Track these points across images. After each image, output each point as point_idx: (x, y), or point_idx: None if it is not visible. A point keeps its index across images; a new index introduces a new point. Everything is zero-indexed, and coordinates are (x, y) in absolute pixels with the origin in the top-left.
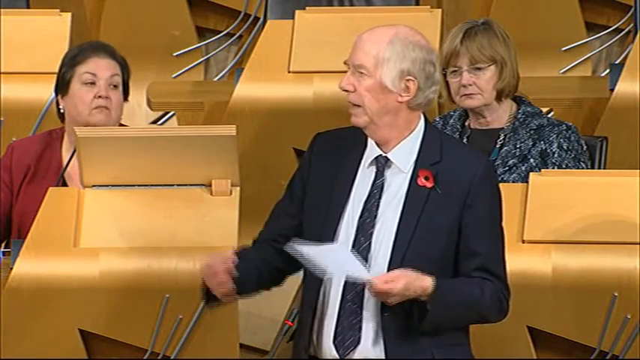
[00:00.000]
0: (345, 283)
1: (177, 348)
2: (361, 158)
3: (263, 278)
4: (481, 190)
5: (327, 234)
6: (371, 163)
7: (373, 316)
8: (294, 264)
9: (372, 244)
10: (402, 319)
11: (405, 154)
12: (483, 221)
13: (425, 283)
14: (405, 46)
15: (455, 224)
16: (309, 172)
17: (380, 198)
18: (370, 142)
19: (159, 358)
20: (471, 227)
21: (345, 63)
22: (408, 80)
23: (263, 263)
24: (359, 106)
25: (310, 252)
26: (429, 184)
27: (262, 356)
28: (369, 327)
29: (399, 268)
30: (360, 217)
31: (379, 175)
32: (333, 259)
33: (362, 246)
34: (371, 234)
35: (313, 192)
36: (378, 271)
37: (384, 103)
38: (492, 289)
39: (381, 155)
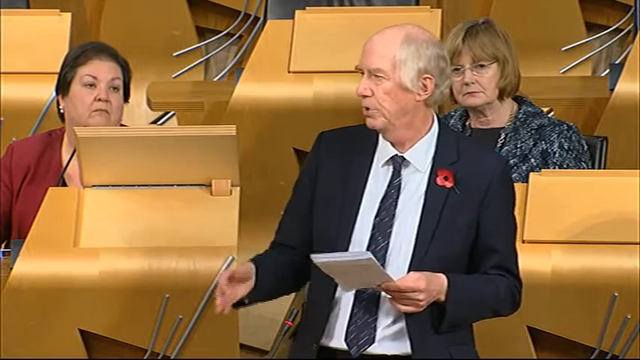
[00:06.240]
0: None
1: (177, 348)
2: (372, 157)
3: (280, 283)
4: (499, 190)
5: (342, 233)
6: (386, 163)
7: (393, 314)
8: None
9: (391, 244)
10: (423, 317)
11: (421, 153)
12: (500, 220)
13: (440, 279)
14: (419, 45)
15: (473, 223)
16: (318, 171)
17: (398, 197)
18: (382, 141)
19: (159, 358)
20: (488, 226)
21: (356, 68)
22: (425, 78)
23: (279, 268)
24: (376, 109)
25: (331, 263)
26: (448, 184)
27: (262, 356)
28: (387, 325)
29: (419, 267)
30: (377, 216)
31: (396, 175)
32: (357, 270)
33: (379, 245)
34: (389, 233)
35: (324, 192)
36: (396, 269)
37: (403, 103)
38: (506, 283)
39: (397, 155)
